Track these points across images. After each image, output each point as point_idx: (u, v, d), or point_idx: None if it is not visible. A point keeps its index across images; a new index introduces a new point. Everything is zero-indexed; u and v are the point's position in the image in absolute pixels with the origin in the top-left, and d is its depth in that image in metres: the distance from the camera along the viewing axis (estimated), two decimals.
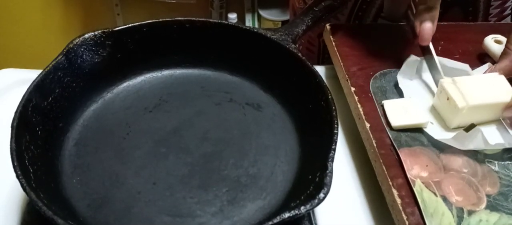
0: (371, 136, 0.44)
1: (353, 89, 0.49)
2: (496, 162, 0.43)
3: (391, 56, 0.54)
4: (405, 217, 0.38)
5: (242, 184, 0.43)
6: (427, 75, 0.51)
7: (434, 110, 0.48)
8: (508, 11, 0.63)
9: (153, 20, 0.51)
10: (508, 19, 0.64)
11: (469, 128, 0.43)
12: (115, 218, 0.40)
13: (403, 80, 0.50)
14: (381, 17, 0.64)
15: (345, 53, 0.54)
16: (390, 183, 0.41)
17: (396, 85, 0.50)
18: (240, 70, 0.53)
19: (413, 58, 0.51)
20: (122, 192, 0.42)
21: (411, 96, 0.49)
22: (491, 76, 0.48)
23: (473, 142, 0.43)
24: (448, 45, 0.57)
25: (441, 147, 0.44)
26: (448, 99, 0.45)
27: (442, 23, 0.62)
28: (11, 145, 0.38)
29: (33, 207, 0.40)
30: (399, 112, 0.46)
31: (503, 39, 0.55)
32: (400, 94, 0.50)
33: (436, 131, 0.46)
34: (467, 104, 0.44)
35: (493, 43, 0.55)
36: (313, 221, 0.42)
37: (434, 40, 0.56)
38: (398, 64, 0.52)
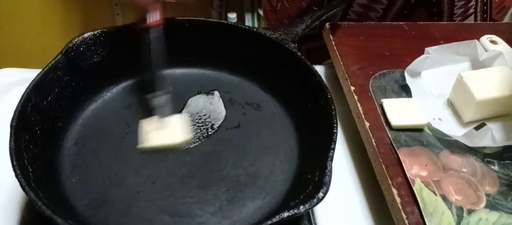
0: (371, 135, 0.44)
1: (352, 88, 0.49)
2: (495, 161, 0.43)
3: (391, 56, 0.54)
4: (404, 216, 0.38)
5: (241, 184, 0.43)
6: (435, 71, 0.52)
7: (441, 106, 0.49)
8: (471, 10, 0.64)
9: None
10: (471, 18, 0.65)
11: (480, 126, 0.43)
12: (115, 217, 0.40)
13: (411, 77, 0.50)
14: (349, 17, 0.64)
15: (344, 52, 0.54)
16: (390, 182, 0.41)
17: (397, 84, 0.50)
18: (240, 70, 0.53)
19: (421, 56, 0.51)
20: (122, 192, 0.41)
21: (419, 93, 0.49)
22: (506, 69, 0.48)
23: (482, 140, 0.43)
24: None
25: (440, 147, 0.44)
26: (464, 91, 0.46)
27: (441, 22, 0.63)
28: (10, 144, 0.37)
29: (32, 206, 0.40)
30: (399, 111, 0.46)
31: (498, 40, 0.56)
32: (400, 93, 0.50)
33: (445, 127, 0.46)
34: (484, 96, 0.45)
35: (489, 43, 0.55)
36: (312, 221, 0.42)
37: (434, 39, 0.56)
38: (398, 64, 0.52)
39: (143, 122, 0.46)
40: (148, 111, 0.47)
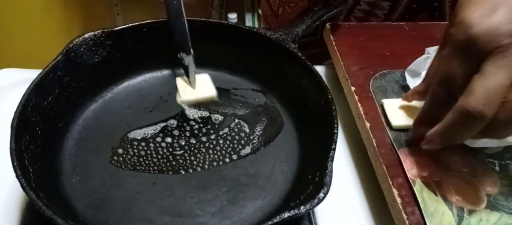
0: (371, 135, 0.44)
1: (353, 88, 0.49)
2: (496, 161, 0.43)
3: (391, 56, 0.54)
4: (405, 217, 0.38)
5: (242, 184, 0.43)
6: None
7: None
8: None
9: (153, 20, 0.51)
10: None
11: None
12: (115, 218, 0.40)
13: (411, 77, 0.50)
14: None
15: (345, 53, 0.54)
16: (390, 182, 0.40)
17: (397, 84, 0.50)
18: (240, 70, 0.53)
19: (421, 56, 0.51)
20: (122, 192, 0.41)
21: None
22: None
23: (483, 141, 0.43)
24: None
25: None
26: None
27: (442, 22, 0.63)
28: (10, 145, 0.37)
29: (32, 207, 0.40)
30: (399, 111, 0.46)
31: None
32: (400, 94, 0.50)
33: None
34: None
35: None
36: (313, 221, 0.42)
37: (435, 39, 0.56)
38: (398, 64, 0.52)
39: (178, 79, 0.52)
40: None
